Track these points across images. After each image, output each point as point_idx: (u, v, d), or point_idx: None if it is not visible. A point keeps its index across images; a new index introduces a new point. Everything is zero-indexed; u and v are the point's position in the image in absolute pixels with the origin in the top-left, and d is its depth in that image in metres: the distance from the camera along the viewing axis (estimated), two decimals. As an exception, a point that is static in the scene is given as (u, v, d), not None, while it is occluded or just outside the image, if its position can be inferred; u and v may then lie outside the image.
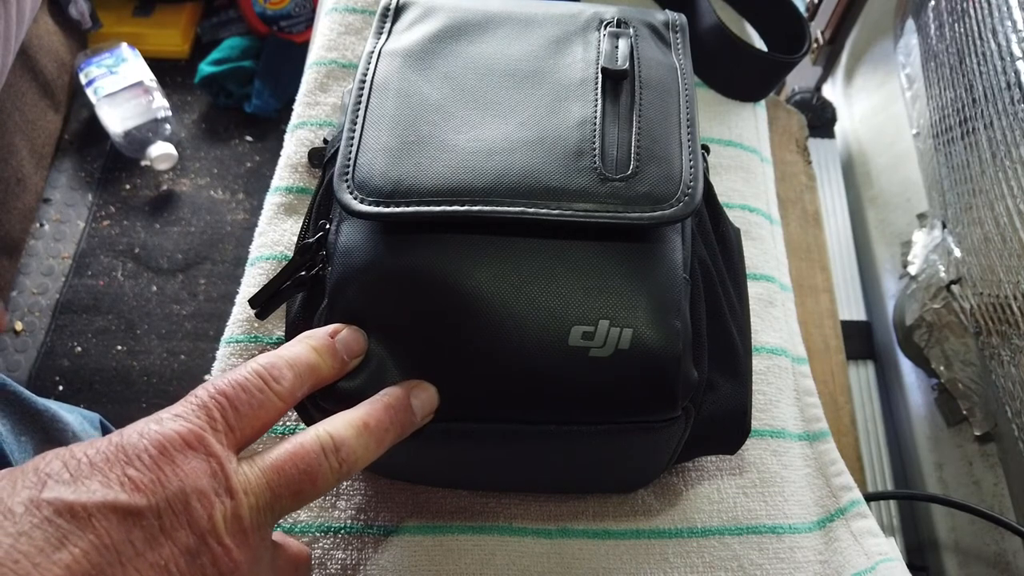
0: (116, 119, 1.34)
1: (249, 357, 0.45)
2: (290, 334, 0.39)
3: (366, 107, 0.37)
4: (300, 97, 0.56)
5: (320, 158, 0.49)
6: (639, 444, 0.36)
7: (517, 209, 0.33)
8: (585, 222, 0.33)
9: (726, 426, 0.40)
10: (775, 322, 0.51)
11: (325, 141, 0.46)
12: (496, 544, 0.41)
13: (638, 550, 0.41)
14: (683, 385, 0.34)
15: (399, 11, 0.43)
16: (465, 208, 0.33)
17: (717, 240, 0.43)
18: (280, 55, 1.48)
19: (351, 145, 0.36)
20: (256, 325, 0.46)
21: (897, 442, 0.63)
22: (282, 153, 0.53)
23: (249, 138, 1.46)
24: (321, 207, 0.40)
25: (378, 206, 0.33)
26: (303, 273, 0.37)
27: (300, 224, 0.46)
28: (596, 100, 0.37)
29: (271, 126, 1.47)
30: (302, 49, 1.45)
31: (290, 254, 0.48)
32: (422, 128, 0.36)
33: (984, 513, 0.48)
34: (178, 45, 1.52)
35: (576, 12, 0.42)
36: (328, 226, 0.38)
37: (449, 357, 0.33)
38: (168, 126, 1.39)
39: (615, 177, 0.34)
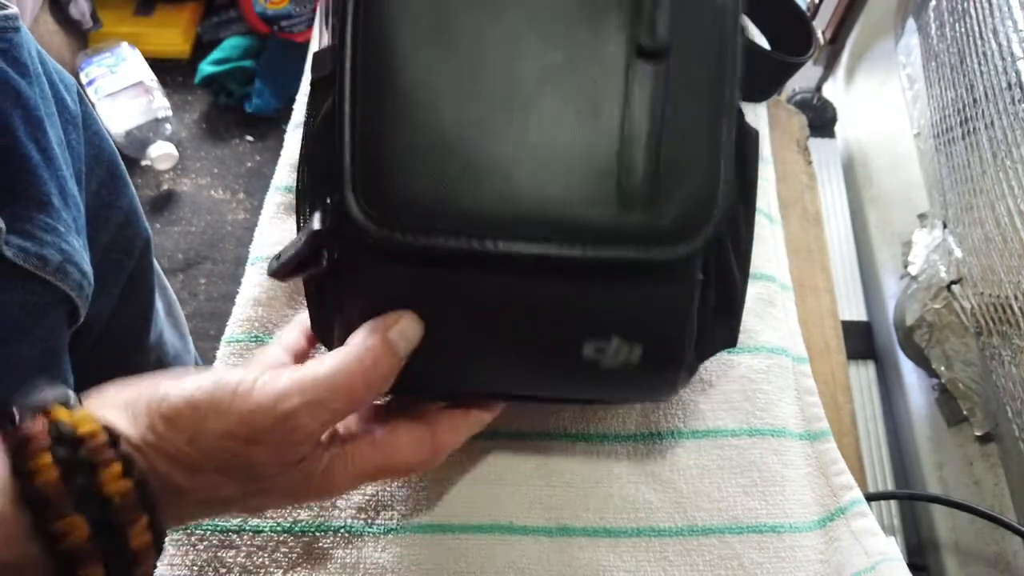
0: (117, 119, 1.34)
1: (250, 357, 0.45)
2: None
3: (362, 84, 0.31)
4: (301, 96, 0.56)
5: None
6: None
7: (536, 250, 0.30)
8: (607, 262, 0.31)
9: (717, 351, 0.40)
10: (775, 322, 0.51)
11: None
12: (496, 542, 0.41)
13: (638, 549, 0.41)
14: (684, 376, 0.36)
15: None
16: (480, 248, 0.30)
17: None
18: (281, 55, 1.48)
19: (346, 136, 0.31)
20: (257, 325, 0.46)
21: (898, 442, 0.63)
22: (283, 152, 0.53)
23: (250, 138, 1.47)
24: (315, 159, 0.34)
25: (384, 233, 0.30)
26: (314, 259, 0.34)
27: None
28: (623, 95, 0.31)
29: (272, 126, 1.47)
30: (303, 49, 1.45)
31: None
32: (433, 130, 0.31)
33: (984, 513, 0.48)
34: (179, 45, 1.52)
35: None
36: (336, 207, 0.33)
37: (463, 359, 0.34)
38: (168, 126, 1.39)
39: (639, 202, 0.31)
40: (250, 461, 0.29)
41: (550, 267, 0.32)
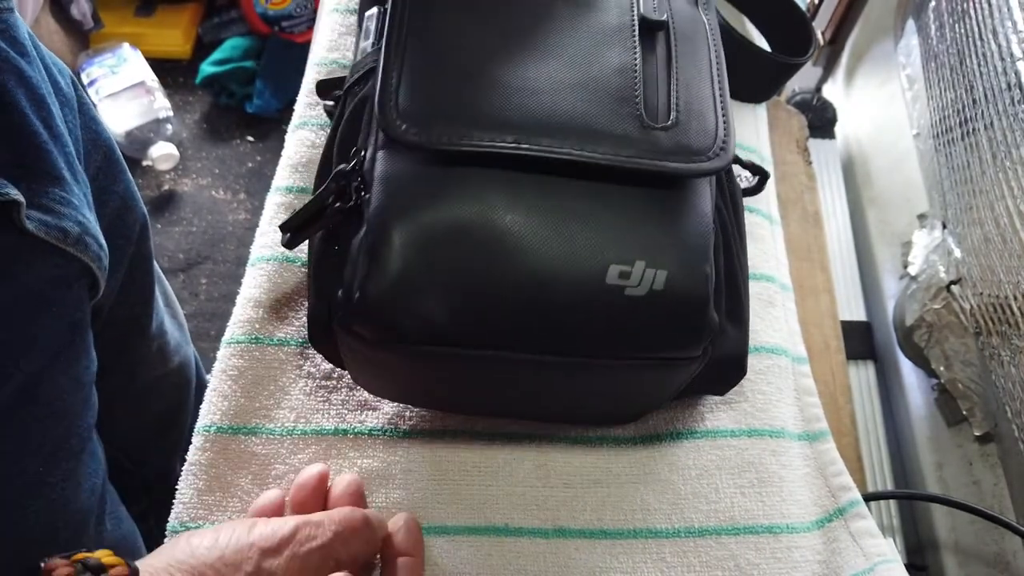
0: (118, 119, 1.34)
1: (250, 358, 0.45)
2: (317, 263, 0.40)
3: (405, 36, 0.38)
4: (301, 97, 0.56)
5: (329, 89, 0.48)
6: (656, 379, 0.39)
7: (565, 151, 0.34)
8: (629, 168, 0.35)
9: (727, 368, 0.42)
10: (775, 322, 0.51)
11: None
12: (492, 544, 0.41)
13: (635, 550, 0.41)
14: (708, 328, 0.36)
15: None
16: (513, 146, 0.34)
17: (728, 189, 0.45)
18: (281, 55, 1.48)
19: (394, 75, 0.36)
20: (257, 326, 0.46)
21: (897, 442, 0.63)
22: (283, 153, 0.53)
23: (250, 138, 1.47)
24: (345, 139, 0.41)
25: (425, 137, 0.34)
26: (338, 205, 0.37)
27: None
28: (635, 48, 0.38)
29: (272, 126, 1.47)
30: (303, 49, 1.45)
31: (291, 254, 0.48)
32: (465, 62, 0.37)
33: (984, 513, 0.48)
34: (180, 45, 1.52)
35: None
36: (363, 153, 0.38)
37: (487, 287, 0.34)
38: (169, 126, 1.39)
39: (656, 126, 0.36)
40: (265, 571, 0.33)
41: (576, 173, 0.35)
